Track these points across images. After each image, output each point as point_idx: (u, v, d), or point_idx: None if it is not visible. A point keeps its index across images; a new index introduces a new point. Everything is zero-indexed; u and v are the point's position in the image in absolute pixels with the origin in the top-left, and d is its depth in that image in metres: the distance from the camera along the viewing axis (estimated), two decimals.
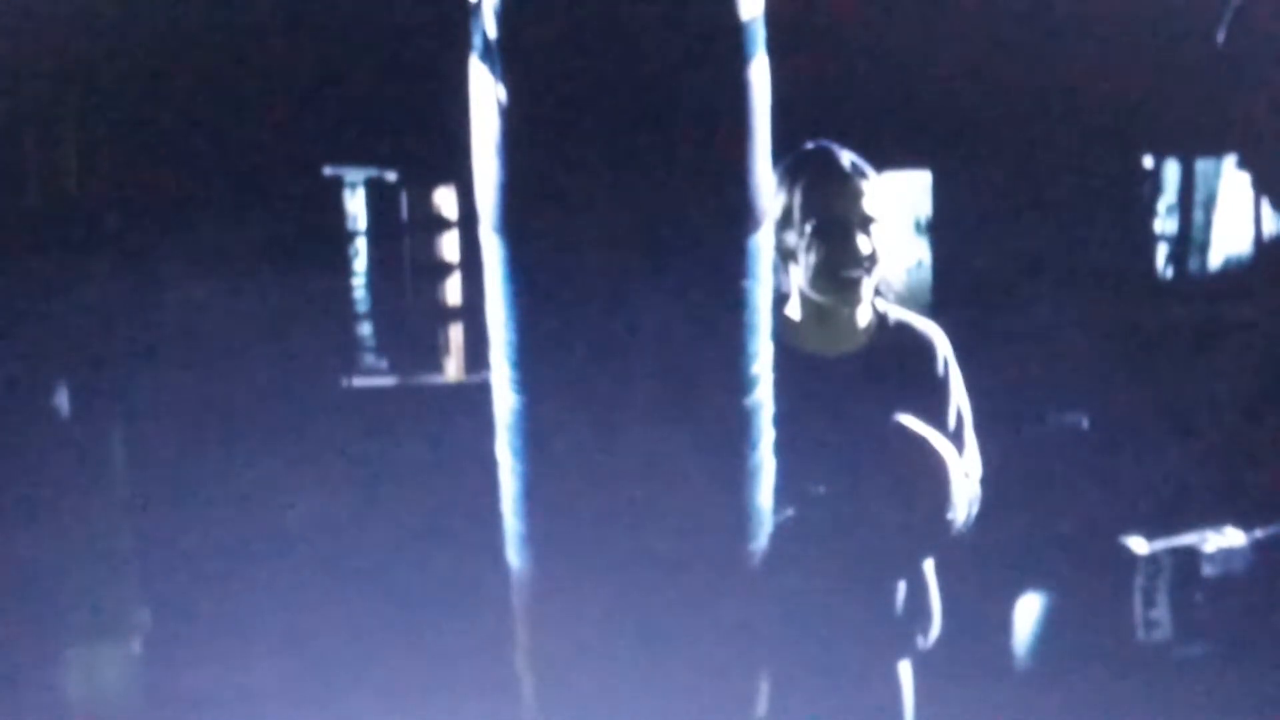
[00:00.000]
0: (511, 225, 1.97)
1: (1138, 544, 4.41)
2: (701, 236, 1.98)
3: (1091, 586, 4.38)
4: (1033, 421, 5.05)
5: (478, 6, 1.88)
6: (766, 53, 1.94)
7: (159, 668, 4.35)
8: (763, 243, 2.06)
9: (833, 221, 2.50)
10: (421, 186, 5.43)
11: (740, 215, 1.99)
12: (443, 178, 5.31)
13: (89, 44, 4.44)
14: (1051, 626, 4.39)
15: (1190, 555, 4.42)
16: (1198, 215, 5.99)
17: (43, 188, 4.65)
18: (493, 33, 1.86)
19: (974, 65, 5.10)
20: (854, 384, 2.54)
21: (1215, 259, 6.03)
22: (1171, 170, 5.97)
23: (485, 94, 1.91)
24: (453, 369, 5.45)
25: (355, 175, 5.38)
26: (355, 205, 5.42)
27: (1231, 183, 5.99)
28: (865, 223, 2.51)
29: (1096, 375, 5.22)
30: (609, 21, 1.85)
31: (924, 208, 5.75)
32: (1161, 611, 4.36)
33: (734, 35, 1.88)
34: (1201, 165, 5.97)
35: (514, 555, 2.23)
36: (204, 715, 4.14)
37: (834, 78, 4.77)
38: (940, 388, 2.62)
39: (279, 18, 4.66)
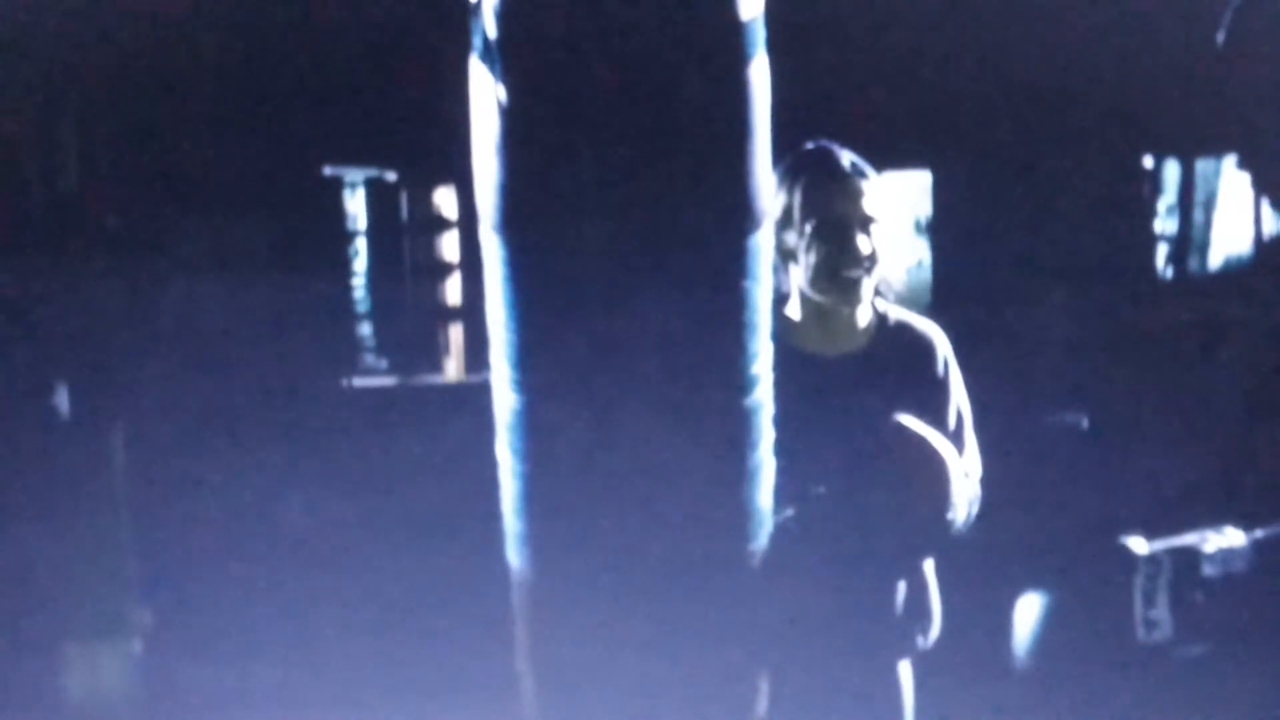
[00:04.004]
0: (511, 225, 1.98)
1: (1138, 544, 4.41)
2: (701, 236, 1.98)
3: (1091, 586, 4.38)
4: (1033, 421, 5.05)
5: (478, 6, 1.88)
6: (766, 53, 1.95)
7: (159, 668, 4.35)
8: (763, 243, 2.06)
9: (833, 221, 2.50)
10: (421, 186, 5.43)
11: (740, 215, 2.00)
12: (443, 178, 5.31)
13: (89, 44, 4.44)
14: (1051, 626, 4.38)
15: (1190, 555, 4.41)
16: (1198, 215, 5.99)
17: (43, 188, 4.65)
18: (493, 33, 1.86)
19: (974, 65, 5.10)
20: (854, 384, 2.54)
21: (1215, 259, 6.03)
22: (1171, 170, 5.97)
23: (485, 94, 1.91)
24: (453, 369, 5.45)
25: (355, 175, 5.38)
26: (355, 205, 5.42)
27: (1231, 183, 5.99)
28: (865, 223, 2.52)
29: (1096, 375, 5.22)
30: (609, 21, 1.85)
31: (924, 208, 5.75)
32: (1161, 611, 4.36)
33: (734, 35, 1.88)
34: (1201, 165, 5.97)
35: (514, 555, 2.23)
36: (204, 715, 4.14)
37: (834, 78, 4.77)
38: (940, 388, 2.62)
39: (279, 18, 4.66)
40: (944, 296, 5.61)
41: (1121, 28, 5.00)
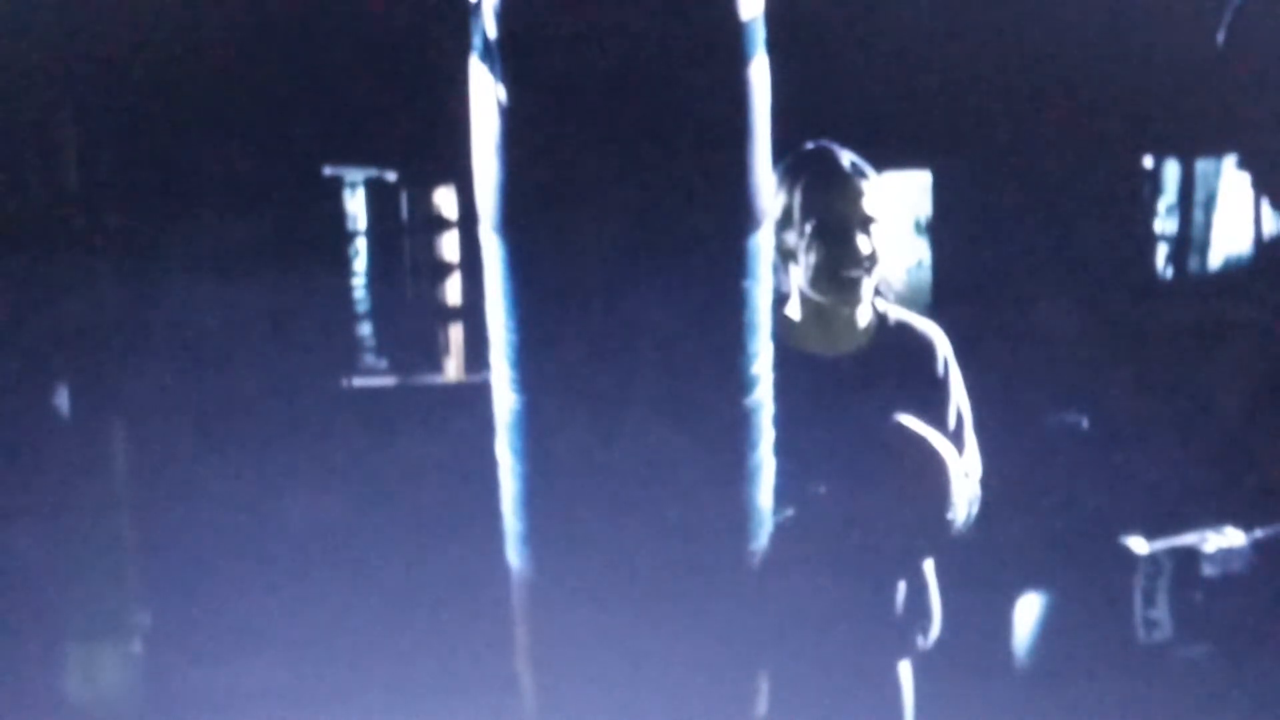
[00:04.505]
0: (511, 225, 1.97)
1: (1138, 544, 4.41)
2: (701, 236, 1.98)
3: (1091, 586, 4.38)
4: (1033, 421, 5.05)
5: (478, 6, 1.88)
6: (766, 53, 1.94)
7: (159, 668, 4.35)
8: (763, 243, 2.06)
9: (833, 221, 2.50)
10: (421, 186, 5.43)
11: (740, 215, 1.99)
12: (443, 178, 5.31)
13: (89, 44, 4.43)
14: (1051, 626, 4.38)
15: (1190, 555, 4.41)
16: (1198, 215, 5.98)
17: (43, 188, 4.65)
18: (493, 33, 1.86)
19: (974, 65, 5.10)
20: (854, 384, 2.54)
21: (1215, 259, 6.02)
22: (1171, 170, 5.97)
23: (485, 94, 1.91)
24: (453, 369, 5.45)
25: (355, 175, 5.38)
26: (355, 205, 5.42)
27: (1231, 183, 5.99)
28: (865, 223, 2.52)
29: (1096, 375, 5.22)
30: (609, 21, 1.85)
31: (924, 208, 5.75)
32: (1161, 611, 4.36)
33: (734, 35, 1.88)
34: (1201, 165, 5.97)
35: (514, 555, 2.23)
36: (204, 715, 4.14)
37: (834, 78, 4.76)
38: (940, 388, 2.62)
39: (279, 17, 4.66)
40: (944, 296, 5.61)
41: (1121, 28, 5.00)
